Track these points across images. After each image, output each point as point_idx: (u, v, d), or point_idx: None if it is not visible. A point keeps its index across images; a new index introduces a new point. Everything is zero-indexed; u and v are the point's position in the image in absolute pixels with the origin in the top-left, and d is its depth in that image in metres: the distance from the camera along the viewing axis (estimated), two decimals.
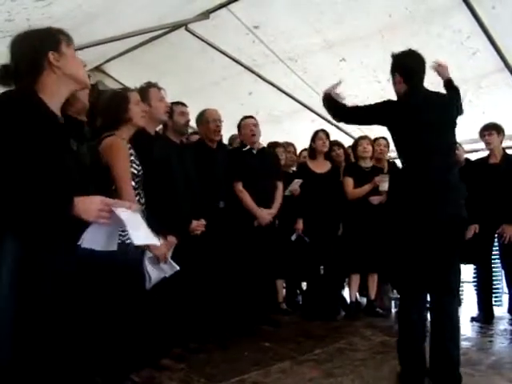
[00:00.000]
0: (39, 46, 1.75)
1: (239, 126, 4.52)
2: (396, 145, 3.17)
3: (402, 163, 3.16)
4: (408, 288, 2.97)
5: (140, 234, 1.76)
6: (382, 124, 3.18)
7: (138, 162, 2.81)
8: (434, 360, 2.86)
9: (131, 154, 2.78)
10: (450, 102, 3.15)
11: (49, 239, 1.65)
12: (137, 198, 2.75)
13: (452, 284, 2.94)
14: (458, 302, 3.12)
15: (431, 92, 3.12)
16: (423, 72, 3.13)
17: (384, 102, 3.09)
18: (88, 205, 1.62)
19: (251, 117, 4.50)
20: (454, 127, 3.08)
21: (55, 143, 1.69)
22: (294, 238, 5.05)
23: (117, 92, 3.02)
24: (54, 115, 1.75)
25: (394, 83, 3.16)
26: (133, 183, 2.73)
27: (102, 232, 1.70)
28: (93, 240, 1.68)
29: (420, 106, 2.98)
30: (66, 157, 1.76)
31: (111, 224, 1.70)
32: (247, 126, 4.43)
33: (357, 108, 3.23)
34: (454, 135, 3.08)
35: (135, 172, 2.76)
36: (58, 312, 1.68)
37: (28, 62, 1.74)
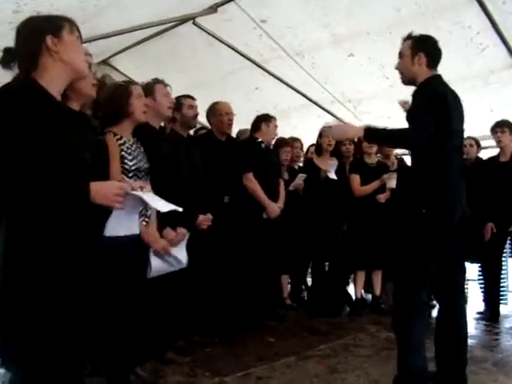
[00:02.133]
0: (38, 30, 1.75)
1: (261, 122, 4.52)
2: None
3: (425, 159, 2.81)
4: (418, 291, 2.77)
5: (161, 203, 1.89)
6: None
7: (130, 158, 2.75)
8: (443, 362, 2.82)
9: (122, 150, 2.73)
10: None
11: (63, 227, 1.66)
12: None
13: (461, 282, 2.92)
14: (465, 301, 3.06)
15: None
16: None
17: (434, 95, 2.70)
18: (105, 190, 1.65)
19: (275, 118, 4.59)
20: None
21: (67, 129, 1.70)
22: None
23: (119, 85, 2.97)
24: (57, 101, 1.75)
25: (413, 63, 2.85)
26: (126, 178, 2.71)
27: (123, 217, 1.78)
28: (116, 226, 1.76)
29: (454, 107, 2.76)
30: (80, 142, 1.77)
31: (129, 208, 1.76)
32: (274, 127, 4.56)
33: (417, 124, 2.70)
34: None
35: (127, 167, 2.72)
36: (60, 301, 1.68)
37: (27, 45, 1.75)
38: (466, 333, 2.88)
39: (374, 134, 2.89)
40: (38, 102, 1.66)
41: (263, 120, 4.51)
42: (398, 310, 2.84)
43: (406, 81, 2.96)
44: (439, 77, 2.87)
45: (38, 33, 1.74)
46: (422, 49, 2.85)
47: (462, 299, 2.92)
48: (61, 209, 1.62)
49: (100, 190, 1.63)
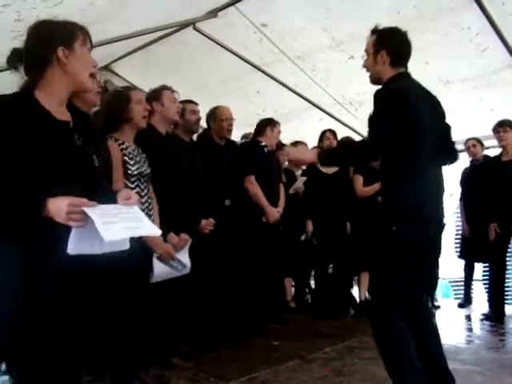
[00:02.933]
0: (51, 39, 1.71)
1: (266, 126, 4.56)
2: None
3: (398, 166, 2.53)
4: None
5: (114, 231, 1.57)
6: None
7: (132, 162, 2.76)
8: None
9: (125, 155, 2.74)
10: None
11: (23, 239, 1.62)
12: None
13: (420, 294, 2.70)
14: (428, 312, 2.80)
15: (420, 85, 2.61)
16: (409, 59, 2.63)
17: (392, 95, 2.42)
18: (57, 207, 1.52)
19: (279, 123, 4.61)
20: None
21: (43, 141, 1.65)
22: (303, 238, 5.05)
23: (118, 91, 2.99)
24: (47, 114, 1.70)
25: (375, 63, 2.60)
26: (128, 183, 2.73)
27: (86, 235, 1.57)
28: (78, 245, 1.57)
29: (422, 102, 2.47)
30: (64, 153, 1.71)
31: (88, 226, 1.56)
32: (278, 133, 4.60)
33: (376, 131, 2.45)
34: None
35: (129, 172, 2.74)
36: (42, 311, 1.67)
37: (36, 52, 1.71)
38: (435, 342, 2.61)
39: (328, 158, 2.74)
40: (24, 113, 1.63)
41: (268, 124, 4.52)
42: (375, 332, 2.52)
43: (372, 80, 2.70)
44: (404, 74, 2.60)
45: (51, 42, 1.70)
46: (385, 46, 2.57)
47: (422, 310, 2.68)
48: (12, 221, 1.57)
49: (52, 207, 1.52)
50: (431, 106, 2.56)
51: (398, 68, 2.59)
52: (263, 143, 4.45)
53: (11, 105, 1.64)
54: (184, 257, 3.11)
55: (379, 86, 2.56)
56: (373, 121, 2.46)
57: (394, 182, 2.53)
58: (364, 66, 2.70)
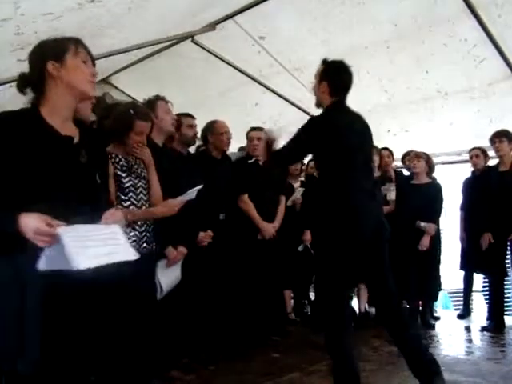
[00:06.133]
0: (41, 55, 1.75)
1: (246, 136, 4.52)
2: (321, 166, 3.07)
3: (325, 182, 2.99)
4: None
5: (88, 254, 1.53)
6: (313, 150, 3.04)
7: (124, 175, 2.78)
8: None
9: (116, 168, 2.75)
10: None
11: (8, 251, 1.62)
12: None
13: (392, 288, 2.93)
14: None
15: (354, 112, 3.02)
16: (349, 89, 3.02)
17: (308, 125, 2.95)
18: (26, 224, 1.51)
19: (258, 128, 4.43)
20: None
21: (43, 155, 1.66)
22: (300, 248, 5.04)
23: (125, 113, 2.86)
24: (49, 129, 1.72)
25: (318, 90, 3.04)
26: (122, 196, 2.75)
27: (60, 250, 1.51)
28: (51, 260, 1.52)
29: (346, 128, 2.88)
30: (64, 168, 1.72)
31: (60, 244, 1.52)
32: (252, 138, 4.44)
33: (288, 146, 3.00)
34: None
35: (122, 186, 2.75)
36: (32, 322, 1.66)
37: (32, 72, 1.75)
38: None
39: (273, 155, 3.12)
40: (27, 128, 1.66)
41: (248, 132, 4.52)
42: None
43: (316, 104, 3.14)
44: (338, 103, 2.98)
45: (41, 59, 1.74)
46: (326, 78, 2.98)
47: (394, 302, 2.91)
48: None
49: (23, 223, 1.51)
50: (355, 127, 2.92)
51: (335, 97, 2.97)
52: (253, 158, 4.41)
53: (15, 119, 1.66)
54: (176, 268, 3.13)
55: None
56: (290, 138, 2.95)
57: (328, 193, 2.93)
58: (312, 89, 3.15)
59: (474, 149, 5.16)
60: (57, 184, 1.67)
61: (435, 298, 5.51)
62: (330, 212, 2.85)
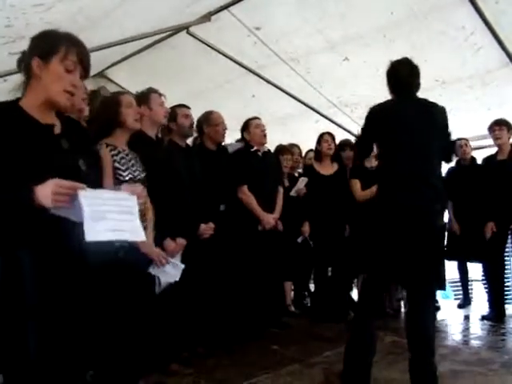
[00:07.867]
0: (32, 47, 1.73)
1: (246, 126, 4.46)
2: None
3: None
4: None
5: (102, 227, 1.53)
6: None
7: (124, 168, 2.74)
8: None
9: (115, 161, 2.72)
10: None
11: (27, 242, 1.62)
12: None
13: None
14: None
15: (423, 102, 3.02)
16: (414, 82, 3.05)
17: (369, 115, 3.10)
18: (44, 189, 1.51)
19: (258, 118, 4.46)
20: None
21: (23, 143, 1.65)
22: (300, 240, 5.03)
23: (107, 96, 2.98)
24: (29, 118, 1.71)
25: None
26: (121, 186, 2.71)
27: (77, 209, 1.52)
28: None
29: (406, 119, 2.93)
30: (46, 154, 1.69)
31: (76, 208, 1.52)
32: (259, 125, 4.40)
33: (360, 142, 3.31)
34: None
35: (121, 178, 2.72)
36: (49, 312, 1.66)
37: (24, 58, 1.75)
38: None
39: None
40: (7, 118, 1.65)
41: (249, 121, 4.46)
42: None
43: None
44: (402, 99, 3.05)
45: (30, 51, 1.73)
46: (387, 80, 3.12)
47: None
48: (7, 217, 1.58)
49: (39, 190, 1.51)
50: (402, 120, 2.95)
51: (395, 95, 3.09)
52: (255, 148, 4.40)
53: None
54: (177, 259, 3.12)
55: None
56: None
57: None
58: None
59: (461, 139, 5.07)
60: (37, 169, 1.64)
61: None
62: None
